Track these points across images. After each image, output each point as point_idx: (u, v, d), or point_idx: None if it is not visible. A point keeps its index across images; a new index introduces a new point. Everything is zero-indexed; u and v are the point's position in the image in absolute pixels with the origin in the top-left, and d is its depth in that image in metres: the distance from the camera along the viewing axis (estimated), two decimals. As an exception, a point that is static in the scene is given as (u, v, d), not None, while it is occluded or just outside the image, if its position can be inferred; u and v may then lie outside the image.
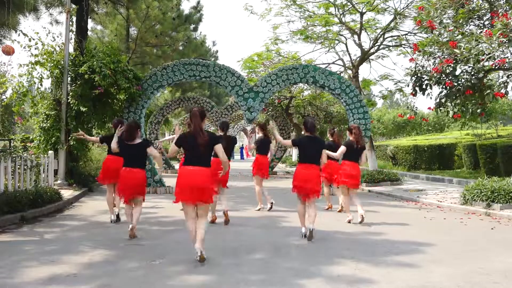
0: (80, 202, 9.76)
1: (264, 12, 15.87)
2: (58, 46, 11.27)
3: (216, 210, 7.28)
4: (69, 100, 11.01)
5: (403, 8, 14.62)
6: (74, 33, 11.91)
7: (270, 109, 19.54)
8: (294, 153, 26.94)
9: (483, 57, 8.38)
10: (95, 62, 10.58)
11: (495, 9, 9.70)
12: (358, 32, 15.40)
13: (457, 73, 9.18)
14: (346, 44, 16.43)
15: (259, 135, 9.21)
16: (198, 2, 23.76)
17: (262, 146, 9.02)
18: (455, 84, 9.15)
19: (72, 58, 11.26)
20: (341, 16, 15.32)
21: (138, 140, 6.18)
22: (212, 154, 5.01)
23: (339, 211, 8.40)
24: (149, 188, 11.65)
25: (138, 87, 11.46)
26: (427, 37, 10.70)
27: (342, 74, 15.62)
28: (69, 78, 11.24)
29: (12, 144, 13.68)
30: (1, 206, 7.02)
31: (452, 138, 20.04)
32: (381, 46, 15.60)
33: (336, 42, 16.23)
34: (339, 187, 7.84)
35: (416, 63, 10.00)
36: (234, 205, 9.40)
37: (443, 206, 9.35)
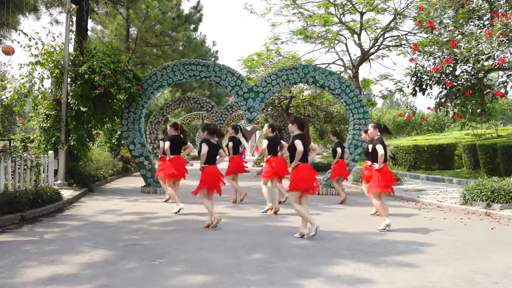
0: (80, 202, 9.76)
1: (264, 11, 15.90)
2: (58, 46, 11.26)
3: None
4: (69, 100, 11.01)
5: (403, 8, 14.64)
6: (74, 33, 11.90)
7: (270, 109, 19.54)
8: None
9: (483, 57, 8.38)
10: (95, 62, 10.58)
11: (495, 9, 9.70)
12: (358, 32, 15.41)
13: (457, 73, 9.18)
14: (346, 44, 16.47)
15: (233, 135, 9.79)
16: (198, 2, 23.78)
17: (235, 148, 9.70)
18: (455, 84, 9.14)
19: (72, 58, 11.26)
20: (341, 16, 15.34)
21: None
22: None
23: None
24: (149, 188, 11.67)
25: (138, 87, 11.46)
26: (427, 37, 10.70)
27: (342, 74, 15.63)
28: (69, 78, 11.24)
29: (12, 144, 13.69)
30: (1, 206, 7.02)
31: (452, 138, 20.04)
32: (381, 46, 15.61)
33: (336, 42, 16.23)
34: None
35: (416, 63, 10.00)
36: (234, 205, 9.41)
37: (443, 206, 9.35)
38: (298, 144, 6.03)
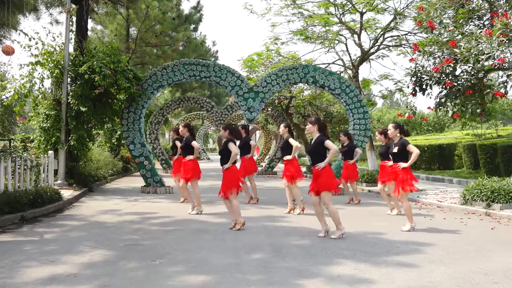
0: (80, 202, 9.76)
1: (263, 11, 15.89)
2: (58, 46, 11.27)
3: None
4: (69, 100, 11.02)
5: (403, 8, 14.63)
6: (74, 33, 11.92)
7: (270, 109, 19.54)
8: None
9: (483, 57, 8.38)
10: (95, 62, 10.59)
11: (495, 9, 9.70)
12: (358, 32, 15.41)
13: (457, 73, 9.18)
14: (346, 44, 16.45)
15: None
16: (198, 2, 23.80)
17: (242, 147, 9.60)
18: (455, 84, 9.14)
19: (72, 58, 11.26)
20: (341, 16, 15.33)
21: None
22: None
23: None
24: (149, 188, 11.67)
25: (138, 87, 11.46)
26: (427, 37, 10.70)
27: (342, 74, 15.62)
28: (69, 78, 11.24)
29: (12, 144, 13.69)
30: (1, 206, 7.02)
31: (452, 138, 20.05)
32: (381, 46, 15.60)
33: (336, 42, 16.23)
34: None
35: (416, 63, 9.99)
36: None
37: (443, 206, 9.35)
38: (332, 145, 6.02)
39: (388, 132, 7.30)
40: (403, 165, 6.77)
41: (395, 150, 6.98)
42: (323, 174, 6.04)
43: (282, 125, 8.65)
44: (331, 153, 5.98)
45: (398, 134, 6.98)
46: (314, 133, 6.24)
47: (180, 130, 8.78)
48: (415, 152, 6.69)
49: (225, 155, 6.68)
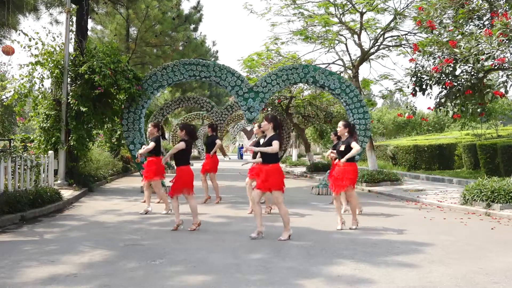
0: (80, 202, 9.76)
1: (263, 11, 15.89)
2: (58, 46, 11.26)
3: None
4: (69, 100, 11.01)
5: (403, 8, 14.62)
6: (74, 33, 11.90)
7: (270, 109, 19.54)
8: (294, 153, 26.93)
9: (483, 57, 8.38)
10: (95, 62, 10.58)
11: (495, 9, 9.70)
12: (358, 32, 15.40)
13: (457, 73, 9.18)
14: (346, 44, 16.43)
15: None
16: (198, 2, 23.80)
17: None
18: (455, 84, 9.15)
19: (72, 58, 11.26)
20: (341, 16, 15.32)
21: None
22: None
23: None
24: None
25: (138, 87, 11.46)
26: (427, 37, 10.70)
27: (342, 74, 15.61)
28: (69, 78, 11.24)
29: (12, 144, 13.68)
30: (1, 206, 7.03)
31: (452, 138, 20.03)
32: (381, 46, 15.59)
33: (336, 42, 16.22)
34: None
35: (416, 63, 10.00)
36: (234, 205, 9.41)
37: (443, 206, 9.35)
38: (276, 145, 5.93)
39: (337, 129, 7.30)
40: (342, 160, 6.83)
41: (342, 148, 6.99)
42: (275, 173, 5.99)
43: (256, 125, 8.44)
44: (272, 152, 5.92)
45: (347, 133, 7.00)
46: (268, 131, 6.17)
47: (149, 129, 8.65)
48: (355, 148, 6.73)
49: (179, 154, 6.66)
